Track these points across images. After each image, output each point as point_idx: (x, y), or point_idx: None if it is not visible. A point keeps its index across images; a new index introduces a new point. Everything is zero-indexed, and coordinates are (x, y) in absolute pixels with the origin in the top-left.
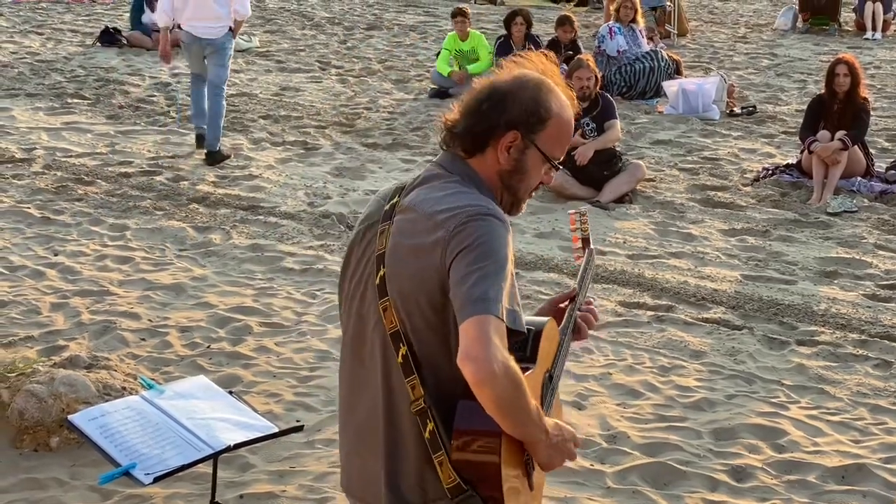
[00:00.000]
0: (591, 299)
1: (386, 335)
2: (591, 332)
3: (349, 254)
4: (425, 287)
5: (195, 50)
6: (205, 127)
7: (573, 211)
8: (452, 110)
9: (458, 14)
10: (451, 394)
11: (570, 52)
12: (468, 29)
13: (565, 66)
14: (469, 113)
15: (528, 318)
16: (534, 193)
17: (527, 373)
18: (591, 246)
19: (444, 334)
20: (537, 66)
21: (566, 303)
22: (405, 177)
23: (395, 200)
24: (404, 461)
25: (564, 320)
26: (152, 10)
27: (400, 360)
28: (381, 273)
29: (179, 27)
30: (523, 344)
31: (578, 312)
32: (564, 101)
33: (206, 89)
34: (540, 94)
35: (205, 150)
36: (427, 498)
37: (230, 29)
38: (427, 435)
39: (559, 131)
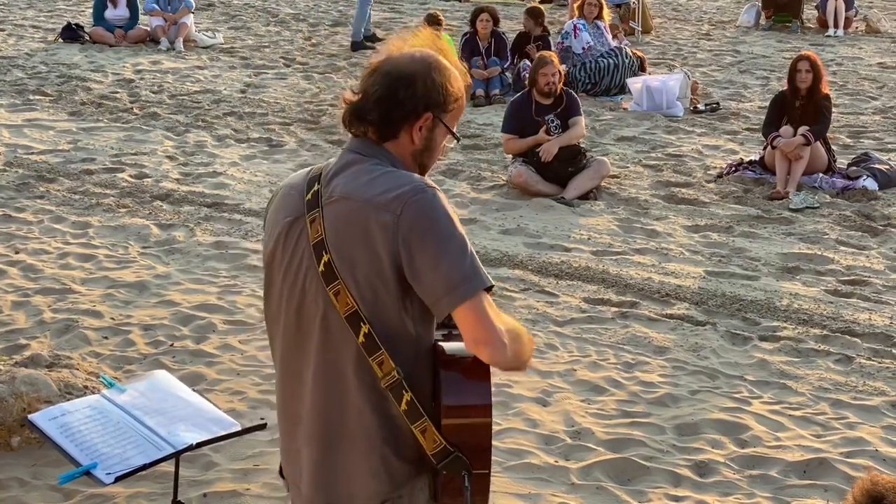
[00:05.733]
0: None
1: (340, 319)
2: None
3: (273, 253)
4: (378, 270)
5: None
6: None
7: None
8: (347, 92)
9: (434, 23)
10: (412, 366)
11: (540, 44)
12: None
13: (528, 63)
14: (384, 100)
15: None
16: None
17: None
18: None
19: (398, 311)
20: (432, 44)
21: None
22: None
23: (315, 188)
24: (361, 449)
25: None
26: (115, 6)
27: (362, 339)
28: (326, 259)
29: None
30: None
31: None
32: (459, 76)
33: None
34: (445, 76)
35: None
36: (394, 482)
37: None
38: (404, 406)
39: (460, 107)
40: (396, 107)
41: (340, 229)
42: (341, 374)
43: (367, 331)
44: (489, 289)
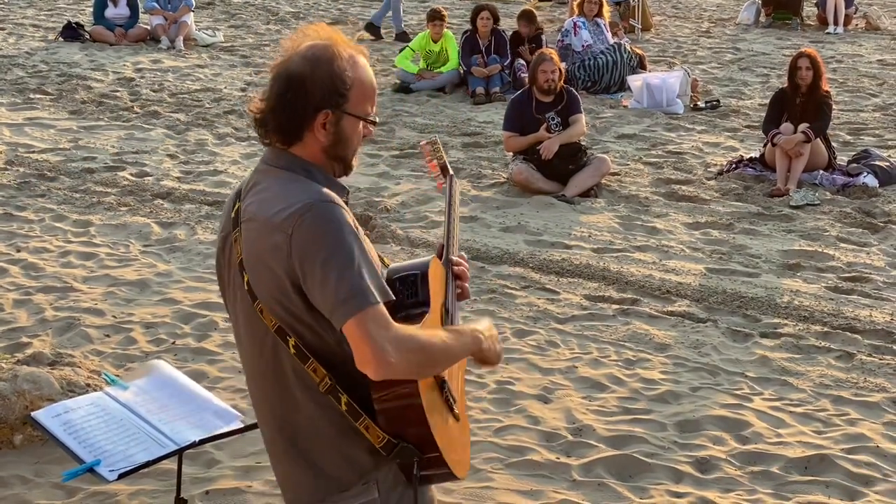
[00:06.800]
0: (462, 256)
1: (270, 333)
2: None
3: (218, 266)
4: (281, 288)
5: None
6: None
7: (424, 142)
8: (254, 100)
9: (437, 17)
10: (341, 370)
11: (534, 45)
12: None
13: (522, 63)
14: (277, 107)
15: (410, 262)
16: (359, 150)
17: (425, 317)
18: (451, 172)
19: (310, 325)
20: (319, 34)
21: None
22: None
23: (237, 206)
24: (319, 446)
25: (444, 253)
26: (115, 5)
27: (292, 350)
28: (246, 278)
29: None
30: (414, 288)
31: (454, 268)
32: (356, 59)
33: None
34: (333, 67)
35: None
36: (357, 473)
37: None
38: (343, 407)
39: (363, 90)
40: (290, 112)
41: (250, 251)
42: (286, 380)
43: (294, 342)
44: (389, 302)
